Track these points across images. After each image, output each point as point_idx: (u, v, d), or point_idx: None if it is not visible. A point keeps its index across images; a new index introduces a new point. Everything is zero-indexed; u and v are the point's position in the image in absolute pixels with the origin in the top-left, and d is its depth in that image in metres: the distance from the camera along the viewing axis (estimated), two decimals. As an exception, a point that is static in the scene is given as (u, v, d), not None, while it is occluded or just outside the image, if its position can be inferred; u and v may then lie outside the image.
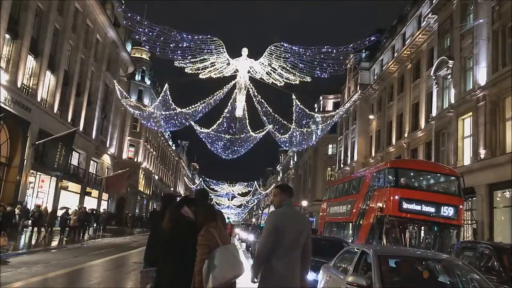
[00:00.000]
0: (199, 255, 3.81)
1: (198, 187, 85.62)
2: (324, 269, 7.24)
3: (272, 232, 3.93)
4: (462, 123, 20.90)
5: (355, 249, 6.42)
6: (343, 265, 6.56)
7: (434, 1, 24.37)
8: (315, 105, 55.17)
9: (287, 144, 33.34)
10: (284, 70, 24.83)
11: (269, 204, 72.73)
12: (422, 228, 13.01)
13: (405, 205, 12.46)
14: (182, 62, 24.27)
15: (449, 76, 22.22)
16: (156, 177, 64.41)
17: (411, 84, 28.81)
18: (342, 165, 43.38)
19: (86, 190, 32.97)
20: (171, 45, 23.00)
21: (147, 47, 23.62)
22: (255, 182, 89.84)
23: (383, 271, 5.01)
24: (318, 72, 23.96)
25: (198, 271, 3.80)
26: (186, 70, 24.87)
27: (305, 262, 4.11)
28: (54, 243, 18.15)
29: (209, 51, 24.31)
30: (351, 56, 30.28)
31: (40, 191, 26.14)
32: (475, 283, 5.23)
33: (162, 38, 22.55)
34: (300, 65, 24.01)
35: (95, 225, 27.49)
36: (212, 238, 3.86)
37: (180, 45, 23.11)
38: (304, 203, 47.20)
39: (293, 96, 27.75)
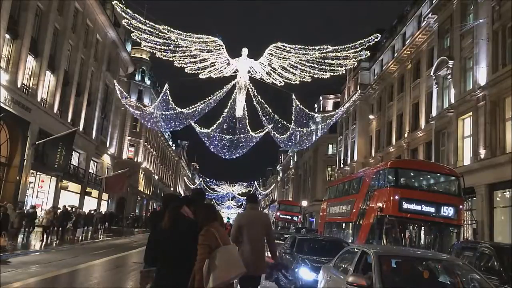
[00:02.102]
0: (199, 254, 3.82)
1: (198, 187, 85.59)
2: (324, 269, 7.22)
3: (236, 226, 5.65)
4: (462, 123, 20.89)
5: (355, 249, 6.39)
6: (343, 265, 6.54)
7: (434, 1, 24.37)
8: (315, 105, 55.19)
9: (286, 144, 33.32)
10: (284, 70, 24.80)
11: (269, 204, 72.76)
12: (422, 228, 13.01)
13: (405, 205, 12.46)
14: (182, 62, 24.24)
15: (449, 76, 22.22)
16: (156, 177, 64.40)
17: (411, 84, 28.80)
18: (342, 165, 43.38)
19: (86, 190, 32.96)
20: (171, 45, 22.98)
21: (147, 47, 23.52)
22: (255, 182, 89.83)
23: (383, 271, 4.98)
24: (318, 72, 23.93)
25: (197, 270, 3.80)
26: (186, 70, 24.85)
27: (272, 246, 5.73)
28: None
29: (209, 51, 24.28)
30: (351, 56, 30.26)
31: (40, 191, 26.12)
32: (475, 283, 5.20)
33: (162, 38, 22.54)
34: (300, 65, 23.99)
35: (93, 225, 26.75)
36: (213, 238, 3.88)
37: (180, 45, 23.09)
38: (304, 203, 47.19)
39: (293, 96, 27.74)
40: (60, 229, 20.57)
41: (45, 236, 18.64)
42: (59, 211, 20.95)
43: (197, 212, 4.22)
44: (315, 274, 8.15)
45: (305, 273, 8.78)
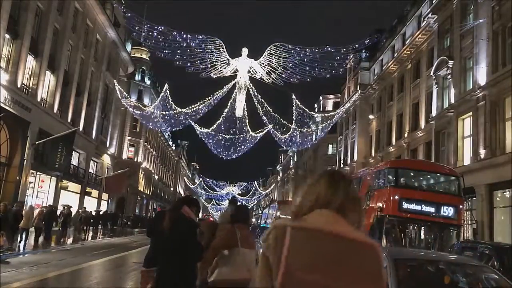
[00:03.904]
0: (206, 255, 3.97)
1: (198, 188, 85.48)
2: None
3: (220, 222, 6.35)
4: (462, 123, 20.90)
5: None
6: None
7: (434, 1, 24.37)
8: (315, 105, 55.18)
9: (287, 144, 33.34)
10: (284, 70, 24.84)
11: (269, 204, 72.79)
12: (422, 228, 13.01)
13: (405, 205, 12.46)
14: (182, 62, 24.27)
15: (449, 76, 22.22)
16: (156, 177, 64.38)
17: (411, 84, 28.80)
18: (342, 165, 43.37)
19: (86, 190, 32.95)
20: (171, 45, 23.02)
21: (146, 46, 23.58)
22: (255, 182, 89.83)
23: (400, 277, 4.51)
24: (318, 72, 23.97)
25: (200, 269, 3.86)
26: (186, 70, 24.89)
27: None
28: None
29: (209, 51, 24.32)
30: (351, 56, 30.46)
31: (40, 191, 26.11)
32: None
33: (162, 38, 22.57)
34: (300, 65, 24.02)
35: (79, 226, 24.03)
36: (232, 237, 4.00)
37: (180, 45, 23.13)
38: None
39: (293, 96, 27.77)
40: (46, 230, 18.41)
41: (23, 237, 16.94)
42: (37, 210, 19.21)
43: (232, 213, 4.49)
44: None
45: None
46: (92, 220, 26.28)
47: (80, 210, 26.14)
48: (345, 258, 1.50)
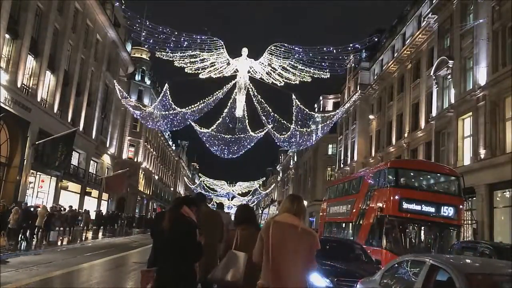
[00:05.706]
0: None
1: (198, 188, 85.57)
2: (364, 285, 5.83)
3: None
4: (462, 123, 20.90)
5: (418, 262, 4.69)
6: (392, 282, 5.08)
7: (434, 1, 24.38)
8: (315, 105, 55.17)
9: (286, 144, 33.30)
10: (284, 70, 24.81)
11: (269, 204, 72.85)
12: (422, 228, 13.02)
13: (405, 205, 12.47)
14: (182, 62, 24.24)
15: (449, 76, 22.22)
16: (156, 177, 64.37)
17: (411, 84, 28.80)
18: (342, 165, 43.38)
19: (86, 190, 32.95)
20: (171, 45, 22.99)
21: (147, 47, 23.57)
22: (255, 182, 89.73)
23: None
24: (318, 72, 23.94)
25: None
26: (186, 70, 24.85)
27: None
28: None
29: (209, 51, 24.29)
30: (351, 56, 30.47)
31: (40, 191, 26.11)
32: None
33: (162, 38, 22.54)
34: (300, 65, 24.00)
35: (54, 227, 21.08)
36: (231, 238, 4.35)
37: (180, 45, 23.10)
38: (304, 203, 47.10)
39: (293, 96, 27.73)
40: (23, 231, 16.79)
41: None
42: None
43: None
44: (328, 280, 7.61)
45: (316, 279, 7.61)
46: (103, 221, 26.27)
47: (64, 209, 23.72)
48: (298, 236, 3.28)
